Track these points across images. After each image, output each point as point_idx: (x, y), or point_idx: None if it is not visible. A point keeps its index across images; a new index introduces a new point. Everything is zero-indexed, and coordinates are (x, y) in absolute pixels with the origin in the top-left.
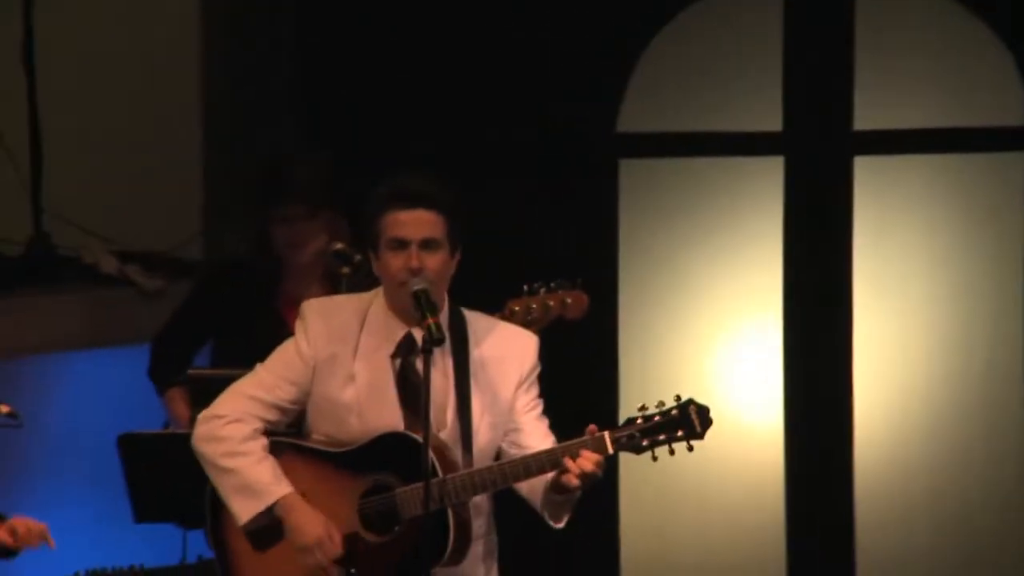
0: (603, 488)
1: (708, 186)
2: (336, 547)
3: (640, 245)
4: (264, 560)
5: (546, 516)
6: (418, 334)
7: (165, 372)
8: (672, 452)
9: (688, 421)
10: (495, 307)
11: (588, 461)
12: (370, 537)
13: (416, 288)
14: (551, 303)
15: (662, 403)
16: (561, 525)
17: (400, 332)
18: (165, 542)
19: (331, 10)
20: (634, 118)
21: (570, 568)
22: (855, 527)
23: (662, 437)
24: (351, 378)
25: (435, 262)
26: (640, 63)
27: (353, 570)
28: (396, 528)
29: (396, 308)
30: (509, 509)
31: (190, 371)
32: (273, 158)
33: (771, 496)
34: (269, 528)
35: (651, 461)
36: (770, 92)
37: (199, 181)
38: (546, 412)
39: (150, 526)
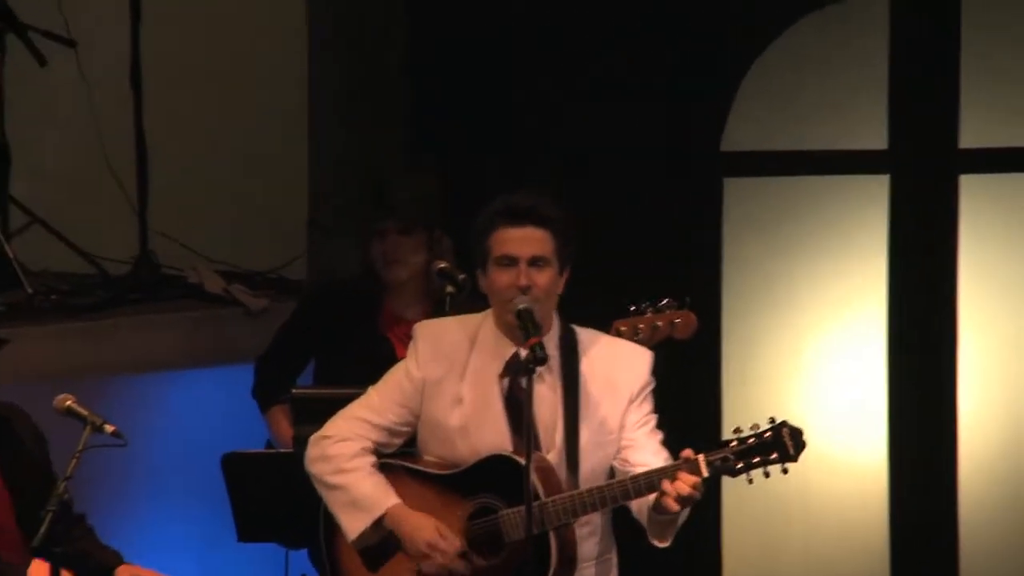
0: (705, 514)
1: (813, 205)
2: (453, 544)
3: (744, 264)
4: None
5: (650, 534)
6: (525, 353)
7: (269, 391)
8: (767, 475)
9: (782, 444)
10: (602, 327)
11: (685, 484)
12: (477, 560)
13: (520, 307)
14: (659, 323)
15: (756, 425)
16: (665, 544)
17: (509, 351)
18: (268, 562)
19: (441, 30)
20: (739, 137)
21: None
22: (959, 554)
23: (756, 460)
24: (459, 400)
25: (544, 279)
26: (744, 82)
27: None
28: (501, 551)
29: (505, 328)
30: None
31: (293, 390)
32: (376, 174)
33: (875, 518)
34: (380, 545)
35: (753, 485)
36: (875, 110)
37: (304, 201)
38: None
39: (253, 545)
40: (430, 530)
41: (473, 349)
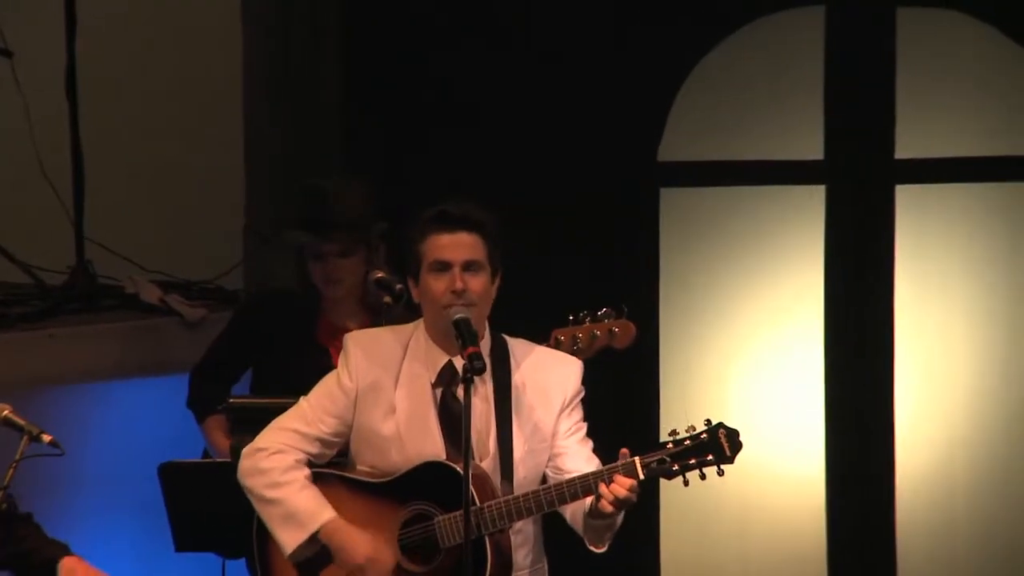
0: (643, 525)
1: (749, 215)
2: (387, 561)
3: (682, 274)
4: None
5: (587, 541)
6: (459, 363)
7: (204, 401)
8: (703, 477)
9: (718, 445)
10: (541, 337)
11: (621, 487)
12: (412, 567)
13: (457, 316)
14: (598, 332)
15: (692, 427)
16: (603, 549)
17: (442, 360)
18: (206, 571)
19: (375, 41)
20: (675, 147)
21: None
22: (897, 563)
23: (692, 462)
24: (392, 409)
25: (478, 284)
26: (681, 92)
27: None
28: (436, 557)
29: (438, 336)
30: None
31: (229, 400)
32: (308, 190)
33: (812, 527)
34: (316, 557)
35: (692, 495)
36: (811, 121)
37: (240, 210)
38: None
39: (190, 555)
40: (367, 544)
41: (405, 358)
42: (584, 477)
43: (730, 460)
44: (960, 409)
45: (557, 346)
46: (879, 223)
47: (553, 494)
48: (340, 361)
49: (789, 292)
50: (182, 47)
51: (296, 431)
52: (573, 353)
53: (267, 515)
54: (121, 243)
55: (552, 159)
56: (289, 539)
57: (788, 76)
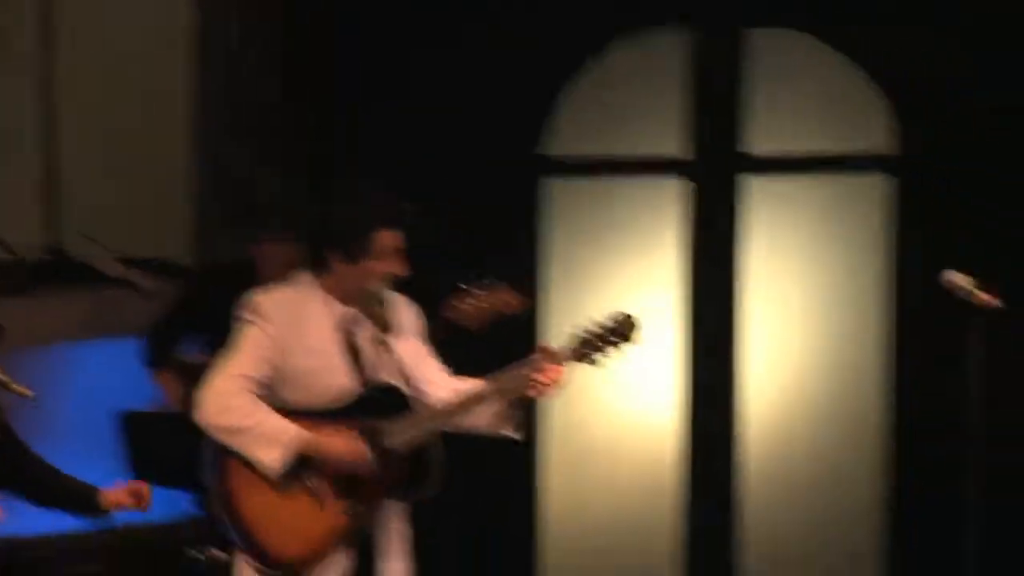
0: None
1: (618, 204)
2: (365, 451)
3: (559, 257)
4: (279, 510)
5: (510, 431)
6: (363, 314)
7: (156, 357)
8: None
9: (618, 330)
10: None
11: (555, 372)
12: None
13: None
14: (489, 301)
15: (592, 319)
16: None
17: (339, 309)
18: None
19: (312, 35)
20: (560, 143)
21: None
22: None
23: (601, 345)
24: (307, 348)
25: None
26: (560, 97)
27: (360, 508)
28: (387, 460)
29: (344, 295)
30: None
31: (181, 357)
32: (252, 184)
33: (668, 471)
34: (289, 474)
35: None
36: (673, 121)
37: (190, 198)
38: None
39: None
40: (345, 441)
41: (307, 305)
42: (515, 375)
43: (628, 339)
44: (798, 365)
45: (454, 312)
46: (728, 212)
47: (494, 388)
48: (253, 316)
49: (651, 272)
50: (137, 49)
51: (245, 375)
52: (469, 320)
53: (244, 442)
54: (88, 224)
55: (452, 153)
56: (273, 456)
57: (656, 82)
